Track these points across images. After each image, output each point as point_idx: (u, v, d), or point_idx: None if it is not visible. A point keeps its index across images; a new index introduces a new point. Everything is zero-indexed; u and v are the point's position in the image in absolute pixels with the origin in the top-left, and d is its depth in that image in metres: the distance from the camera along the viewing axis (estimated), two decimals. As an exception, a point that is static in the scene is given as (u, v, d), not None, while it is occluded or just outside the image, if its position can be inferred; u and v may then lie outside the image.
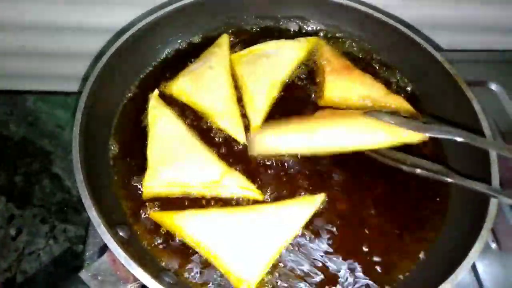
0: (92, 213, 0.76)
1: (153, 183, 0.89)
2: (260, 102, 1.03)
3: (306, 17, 1.22)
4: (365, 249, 0.87)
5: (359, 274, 0.84)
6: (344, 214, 0.91)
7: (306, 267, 0.84)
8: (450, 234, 0.89)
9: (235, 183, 0.90)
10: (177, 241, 0.85)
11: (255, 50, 1.12)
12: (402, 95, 1.08)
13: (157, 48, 1.13)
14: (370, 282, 0.84)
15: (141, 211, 0.89)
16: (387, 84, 1.11)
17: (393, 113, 1.00)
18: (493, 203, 0.83)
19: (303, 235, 0.87)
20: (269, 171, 0.95)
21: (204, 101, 1.03)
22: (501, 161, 0.89)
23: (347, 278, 0.84)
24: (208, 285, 0.81)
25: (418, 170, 0.93)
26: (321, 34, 1.21)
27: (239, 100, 1.06)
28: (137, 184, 0.92)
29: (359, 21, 1.17)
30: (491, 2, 1.34)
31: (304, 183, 0.94)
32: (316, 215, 0.89)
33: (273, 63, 1.08)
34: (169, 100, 1.05)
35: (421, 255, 0.87)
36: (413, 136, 0.99)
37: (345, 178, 0.95)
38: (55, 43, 1.47)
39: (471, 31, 1.43)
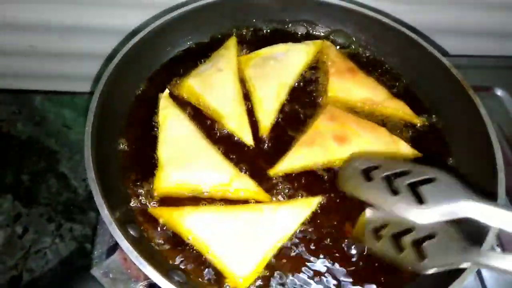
0: (104, 212, 0.76)
1: (164, 184, 0.90)
2: (269, 104, 1.04)
3: (313, 21, 1.23)
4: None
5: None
6: (340, 218, 0.91)
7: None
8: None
9: (244, 186, 0.91)
10: (186, 240, 0.86)
11: (263, 52, 1.13)
12: (407, 99, 1.09)
13: (166, 50, 1.15)
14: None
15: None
16: (392, 88, 1.12)
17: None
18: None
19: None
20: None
21: (212, 102, 1.04)
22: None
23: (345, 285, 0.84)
24: (218, 285, 0.82)
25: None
26: (328, 37, 1.22)
27: (247, 102, 1.07)
28: (147, 183, 0.93)
29: (366, 26, 1.18)
30: (497, 8, 1.35)
31: (305, 187, 0.95)
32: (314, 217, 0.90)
33: (282, 66, 1.10)
34: (178, 101, 1.06)
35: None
36: (409, 151, 1.00)
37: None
38: (64, 44, 1.49)
39: (477, 36, 1.44)
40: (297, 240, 0.88)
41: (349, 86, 1.07)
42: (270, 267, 0.84)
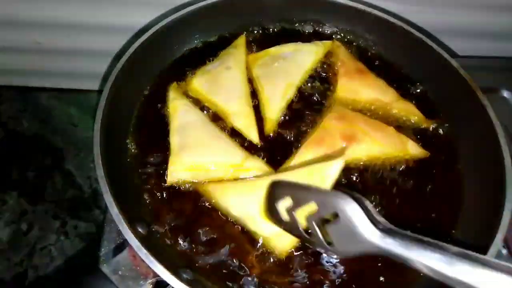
0: (114, 210, 0.77)
1: (177, 167, 0.92)
2: (276, 103, 1.04)
3: (321, 20, 1.23)
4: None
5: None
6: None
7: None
8: (465, 241, 0.89)
9: (256, 166, 0.93)
10: (195, 237, 0.87)
11: (272, 52, 1.13)
12: (415, 100, 1.09)
13: (174, 48, 1.15)
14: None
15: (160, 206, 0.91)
16: (400, 89, 1.12)
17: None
18: (506, 212, 0.83)
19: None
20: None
21: (219, 100, 1.04)
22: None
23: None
24: (226, 282, 0.82)
25: None
26: (336, 37, 1.22)
27: (254, 99, 1.07)
28: (156, 180, 0.93)
29: (374, 26, 1.18)
30: (503, 10, 1.35)
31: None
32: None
33: (290, 66, 1.10)
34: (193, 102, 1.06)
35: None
36: (417, 151, 1.00)
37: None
38: (71, 41, 1.49)
39: (484, 38, 1.44)
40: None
41: (358, 87, 1.07)
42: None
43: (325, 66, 1.14)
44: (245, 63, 1.11)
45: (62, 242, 1.61)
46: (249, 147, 0.99)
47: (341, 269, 0.85)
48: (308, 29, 1.24)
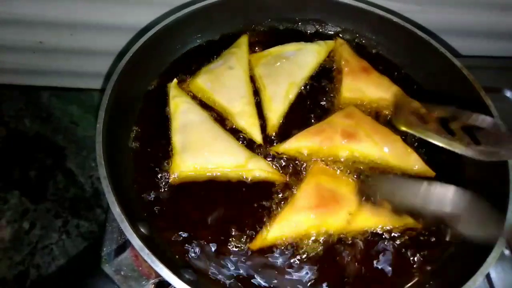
0: (116, 209, 0.77)
1: (181, 169, 0.92)
2: (278, 103, 1.04)
3: (324, 20, 1.23)
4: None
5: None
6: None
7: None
8: (467, 242, 0.89)
9: (259, 167, 0.93)
10: (198, 237, 0.87)
11: (274, 51, 1.13)
12: (418, 98, 1.08)
13: (177, 47, 1.15)
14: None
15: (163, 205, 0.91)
16: (403, 88, 1.11)
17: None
18: (510, 213, 0.83)
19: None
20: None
21: (222, 100, 1.04)
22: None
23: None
24: (227, 281, 0.82)
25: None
26: (339, 36, 1.22)
27: (256, 97, 1.07)
28: (158, 179, 0.93)
29: (377, 25, 1.18)
30: (508, 9, 1.34)
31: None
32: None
33: (292, 65, 1.09)
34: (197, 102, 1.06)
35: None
36: (422, 167, 0.97)
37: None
38: (73, 40, 1.49)
39: (486, 37, 1.44)
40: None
41: (363, 86, 1.07)
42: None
43: (327, 66, 1.14)
44: (248, 62, 1.11)
45: (64, 241, 1.62)
46: (251, 146, 0.99)
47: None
48: (311, 28, 1.24)
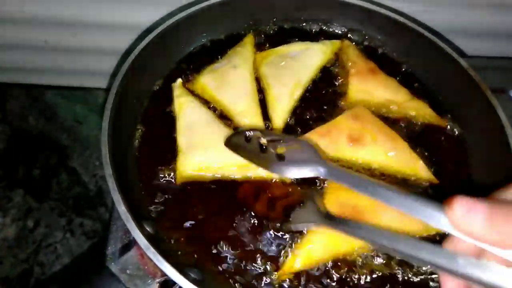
0: (121, 208, 0.76)
1: (186, 168, 0.92)
2: (283, 103, 1.04)
3: (329, 19, 1.22)
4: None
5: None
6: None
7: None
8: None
9: None
10: (204, 236, 0.86)
11: (279, 51, 1.13)
12: (425, 100, 1.08)
13: (181, 46, 1.15)
14: None
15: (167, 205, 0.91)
16: (409, 89, 1.11)
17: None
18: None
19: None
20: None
21: (226, 99, 1.04)
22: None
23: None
24: (234, 281, 0.82)
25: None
26: (345, 37, 1.21)
27: (261, 100, 1.06)
28: (163, 178, 0.93)
29: (382, 25, 1.17)
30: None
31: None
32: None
33: (298, 65, 1.09)
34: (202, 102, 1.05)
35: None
36: (427, 175, 0.96)
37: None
38: (78, 39, 1.50)
39: (491, 37, 1.43)
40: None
41: (370, 87, 1.06)
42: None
43: (333, 67, 1.13)
44: (252, 62, 1.11)
45: (68, 240, 1.62)
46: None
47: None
48: (316, 28, 1.23)
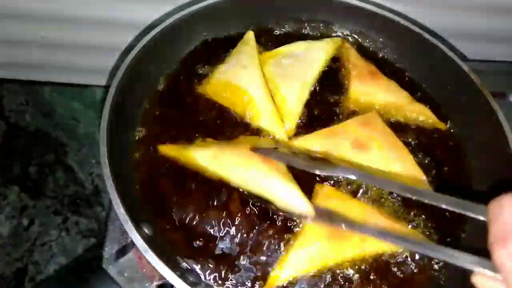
0: (120, 210, 0.76)
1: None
2: (292, 104, 1.03)
3: (331, 21, 1.21)
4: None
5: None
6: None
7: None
8: (472, 245, 0.88)
9: None
10: (201, 240, 0.85)
11: (283, 51, 1.11)
12: (425, 103, 1.08)
13: (182, 46, 1.14)
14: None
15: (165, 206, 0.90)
16: (411, 92, 1.10)
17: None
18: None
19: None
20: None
21: (241, 101, 1.02)
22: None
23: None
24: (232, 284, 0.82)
25: None
26: (346, 38, 1.21)
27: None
28: (164, 178, 0.93)
29: (383, 28, 1.16)
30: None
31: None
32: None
33: (303, 64, 1.08)
34: (203, 100, 1.05)
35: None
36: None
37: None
38: (76, 36, 1.48)
39: (491, 41, 1.43)
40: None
41: (371, 90, 1.05)
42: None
43: (332, 70, 1.13)
44: (258, 60, 1.09)
45: (63, 239, 1.60)
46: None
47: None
48: (317, 29, 1.22)
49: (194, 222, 0.88)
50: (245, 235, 0.86)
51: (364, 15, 1.17)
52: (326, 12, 1.20)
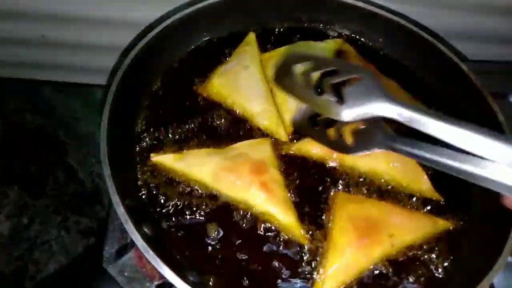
0: (120, 210, 0.76)
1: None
2: (293, 104, 1.02)
3: (332, 21, 1.22)
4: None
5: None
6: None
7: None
8: (471, 251, 0.89)
9: None
10: (201, 239, 0.86)
11: (284, 51, 1.11)
12: (425, 103, 1.08)
13: (182, 45, 1.14)
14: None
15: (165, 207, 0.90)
16: (411, 92, 1.10)
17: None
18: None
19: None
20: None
21: (242, 100, 1.03)
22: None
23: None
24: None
25: None
26: (346, 38, 1.21)
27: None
28: (162, 180, 0.93)
29: (384, 28, 1.17)
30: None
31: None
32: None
33: (303, 64, 1.08)
34: (204, 101, 1.05)
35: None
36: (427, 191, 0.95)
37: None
38: (76, 35, 1.48)
39: (491, 42, 1.43)
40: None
41: (372, 90, 1.05)
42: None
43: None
44: (259, 60, 1.09)
45: (63, 238, 1.61)
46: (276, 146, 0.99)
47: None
48: (318, 29, 1.22)
49: (197, 221, 0.88)
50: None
51: (364, 16, 1.17)
52: (326, 12, 1.20)
